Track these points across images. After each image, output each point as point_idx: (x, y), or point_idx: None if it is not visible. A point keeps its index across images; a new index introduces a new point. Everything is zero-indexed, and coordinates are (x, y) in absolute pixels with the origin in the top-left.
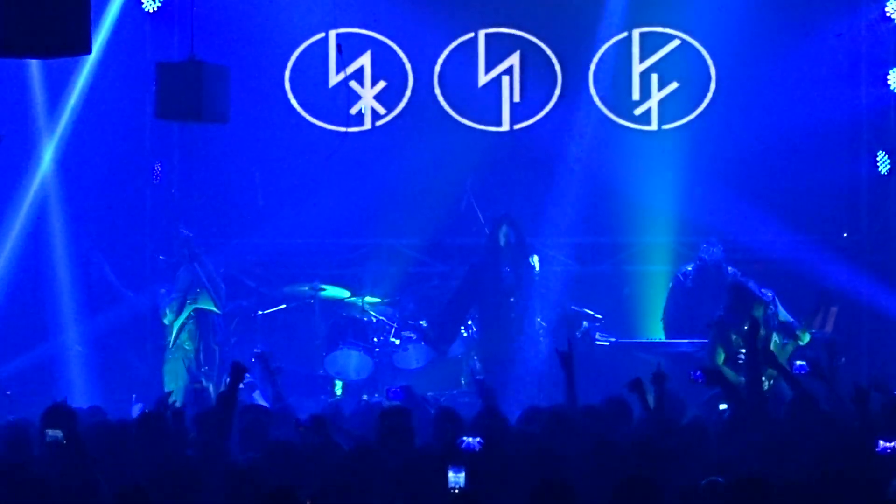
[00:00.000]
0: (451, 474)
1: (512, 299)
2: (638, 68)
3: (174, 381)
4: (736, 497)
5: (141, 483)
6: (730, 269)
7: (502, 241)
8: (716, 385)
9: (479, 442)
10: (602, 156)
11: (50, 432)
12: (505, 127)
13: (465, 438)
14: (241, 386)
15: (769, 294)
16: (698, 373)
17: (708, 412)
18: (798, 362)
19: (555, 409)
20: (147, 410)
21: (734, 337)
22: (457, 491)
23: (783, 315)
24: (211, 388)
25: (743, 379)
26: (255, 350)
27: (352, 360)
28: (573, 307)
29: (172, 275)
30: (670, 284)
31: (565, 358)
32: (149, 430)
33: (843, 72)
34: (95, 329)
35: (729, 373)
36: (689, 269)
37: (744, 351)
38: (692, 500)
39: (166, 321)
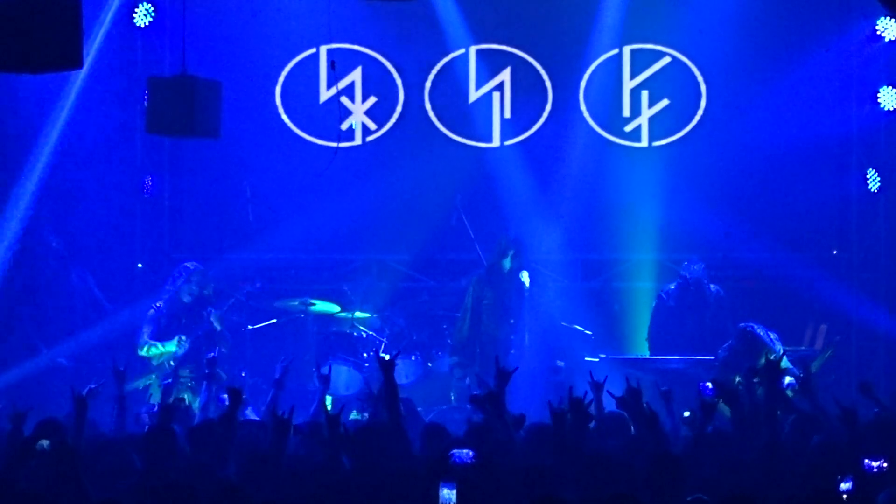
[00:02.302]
0: (444, 491)
1: (512, 321)
2: (628, 85)
3: (155, 398)
4: None
5: (133, 497)
6: (712, 286)
7: (506, 266)
8: (725, 399)
9: (469, 455)
10: (592, 172)
11: (39, 442)
12: (495, 143)
13: (455, 451)
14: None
15: (773, 336)
16: (709, 385)
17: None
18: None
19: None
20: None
21: (737, 379)
22: None
23: (785, 362)
24: (194, 403)
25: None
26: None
27: (341, 376)
28: (563, 322)
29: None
30: (654, 303)
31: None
32: (156, 445)
33: (834, 89)
34: (82, 343)
35: (724, 409)
36: (672, 287)
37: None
38: None
39: (140, 353)
